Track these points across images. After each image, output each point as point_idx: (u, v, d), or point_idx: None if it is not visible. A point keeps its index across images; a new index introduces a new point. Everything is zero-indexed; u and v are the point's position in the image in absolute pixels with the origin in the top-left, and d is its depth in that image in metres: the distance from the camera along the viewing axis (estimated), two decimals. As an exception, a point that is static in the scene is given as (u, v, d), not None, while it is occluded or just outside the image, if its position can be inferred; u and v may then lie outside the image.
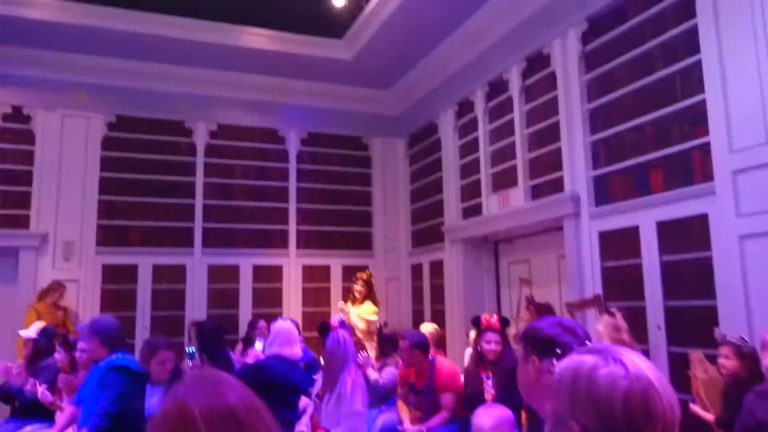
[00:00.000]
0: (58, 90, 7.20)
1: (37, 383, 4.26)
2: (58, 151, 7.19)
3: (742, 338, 3.34)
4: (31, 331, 4.87)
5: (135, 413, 3.39)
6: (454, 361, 5.23)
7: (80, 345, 4.07)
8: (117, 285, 7.30)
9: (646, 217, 4.65)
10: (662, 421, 0.89)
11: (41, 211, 7.03)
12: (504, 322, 4.47)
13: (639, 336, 4.56)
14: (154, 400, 3.40)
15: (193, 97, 7.74)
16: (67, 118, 7.28)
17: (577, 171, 5.35)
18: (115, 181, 7.44)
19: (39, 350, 4.81)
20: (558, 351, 1.29)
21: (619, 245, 4.94)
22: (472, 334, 4.85)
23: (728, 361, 3.28)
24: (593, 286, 5.11)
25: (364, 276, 7.22)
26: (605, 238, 5.08)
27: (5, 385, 4.51)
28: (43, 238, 6.98)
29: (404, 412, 4.51)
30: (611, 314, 4.17)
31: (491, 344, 4.28)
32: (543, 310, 5.16)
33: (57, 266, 7.01)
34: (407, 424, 4.31)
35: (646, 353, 4.51)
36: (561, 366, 0.99)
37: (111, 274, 7.29)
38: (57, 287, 6.62)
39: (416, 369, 4.49)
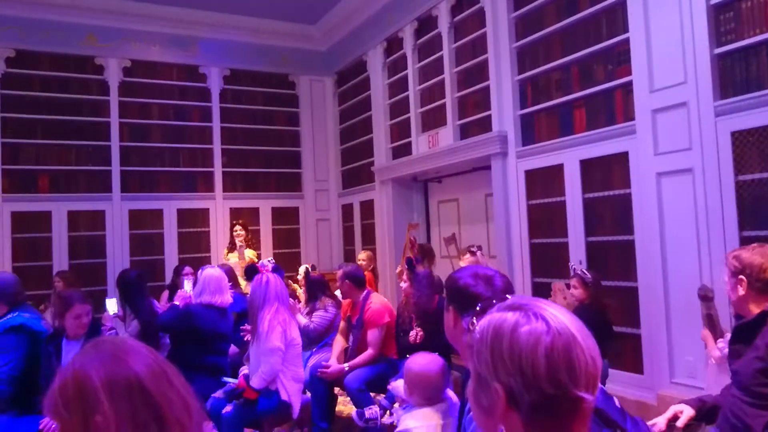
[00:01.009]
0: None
1: None
2: (-50, 89, 6.54)
3: (583, 270, 3.81)
4: None
5: (45, 373, 3.22)
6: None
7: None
8: (29, 234, 6.88)
9: (570, 156, 4.75)
10: (585, 375, 0.89)
11: (-64, 155, 6.45)
12: (409, 262, 4.52)
13: (562, 270, 4.75)
14: (72, 355, 3.24)
15: (102, 30, 7.17)
16: (-43, 52, 6.60)
17: (505, 110, 5.37)
18: (18, 122, 6.88)
19: None
20: (478, 308, 1.27)
21: (543, 183, 5.06)
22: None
23: (576, 291, 3.77)
24: (519, 223, 5.23)
25: (242, 221, 7.23)
26: (531, 176, 5.18)
27: None
28: (-59, 185, 6.43)
29: (338, 347, 4.52)
30: (473, 252, 4.55)
31: (403, 283, 4.37)
32: (425, 251, 5.62)
33: (-41, 215, 6.51)
34: (333, 361, 4.33)
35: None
36: (481, 325, 0.96)
37: (21, 222, 6.85)
38: None
39: (351, 301, 4.52)
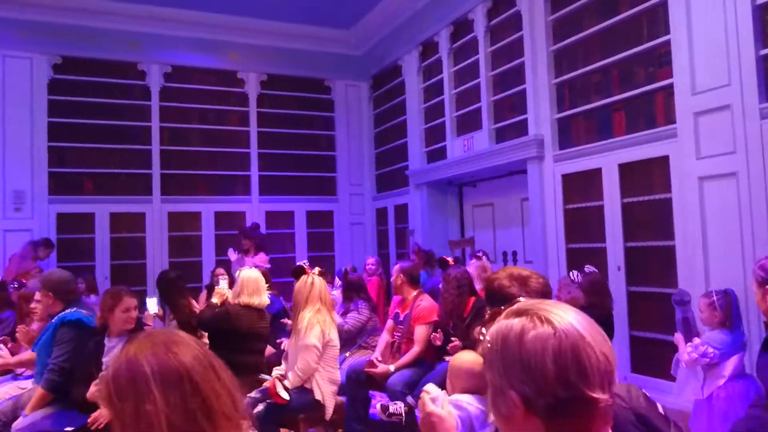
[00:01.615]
0: (-2, 28, 6.75)
1: None
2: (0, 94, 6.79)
3: (576, 273, 3.88)
4: None
5: (89, 368, 3.34)
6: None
7: (36, 297, 3.96)
8: (73, 234, 7.09)
9: (608, 160, 4.68)
10: (597, 373, 0.88)
11: (-14, 158, 6.70)
12: (442, 261, 4.55)
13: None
14: (114, 353, 3.33)
15: (145, 37, 7.36)
16: (7, 59, 6.84)
17: (542, 114, 5.32)
18: (65, 127, 7.11)
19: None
20: (485, 317, 1.28)
21: (581, 187, 4.99)
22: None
23: (568, 295, 3.84)
24: (555, 227, 5.17)
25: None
26: (568, 180, 5.12)
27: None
28: (-9, 187, 6.68)
29: (383, 342, 4.53)
30: (478, 257, 4.64)
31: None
32: (428, 258, 5.74)
33: (8, 216, 6.74)
34: (377, 355, 4.34)
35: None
36: (490, 333, 0.96)
37: (66, 223, 7.06)
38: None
39: (402, 298, 4.53)
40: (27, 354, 3.92)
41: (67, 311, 3.48)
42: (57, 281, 3.66)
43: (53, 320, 3.52)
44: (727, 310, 3.10)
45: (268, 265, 5.12)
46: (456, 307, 4.01)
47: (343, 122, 8.59)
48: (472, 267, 4.60)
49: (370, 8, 7.67)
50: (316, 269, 3.84)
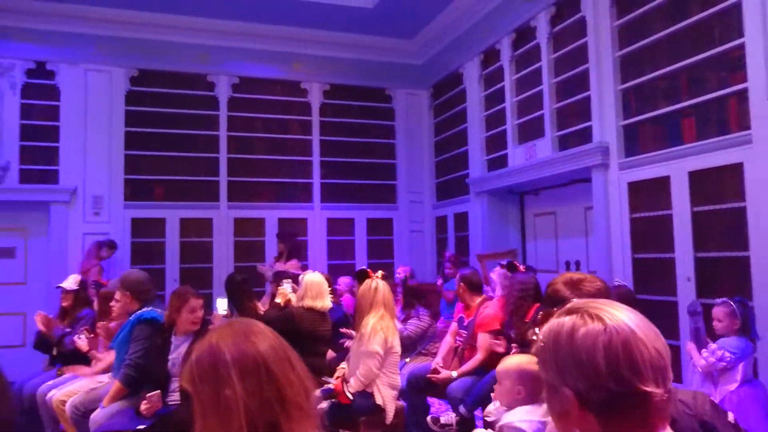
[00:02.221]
0: (80, 44, 7.19)
1: (78, 333, 4.43)
2: (83, 106, 7.22)
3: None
4: (71, 283, 5.01)
5: (160, 364, 3.50)
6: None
7: (116, 296, 4.19)
8: (146, 238, 7.43)
9: (677, 167, 4.54)
10: (650, 368, 0.88)
11: (69, 166, 7.12)
12: (510, 264, 4.52)
13: (667, 287, 4.53)
14: (180, 351, 3.49)
15: (214, 50, 7.67)
16: (89, 72, 7.28)
17: (607, 120, 5.22)
18: (139, 136, 7.48)
19: (77, 301, 4.97)
20: (537, 318, 1.29)
21: (648, 196, 4.86)
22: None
23: None
24: (621, 237, 5.05)
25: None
26: (634, 188, 5.00)
27: (45, 334, 4.66)
28: (73, 193, 7.09)
29: (445, 347, 4.54)
30: (502, 266, 4.71)
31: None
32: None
33: (87, 220, 7.14)
34: (439, 360, 4.35)
35: (674, 305, 4.49)
36: (542, 333, 0.97)
37: (139, 227, 7.42)
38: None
39: (465, 304, 4.55)
40: (110, 357, 4.14)
41: (144, 309, 3.67)
42: (134, 281, 3.88)
43: (131, 318, 3.72)
44: (745, 318, 3.31)
45: (299, 272, 5.26)
46: (516, 311, 3.98)
47: (403, 130, 8.67)
48: (495, 274, 4.69)
49: (432, 18, 7.72)
50: (379, 273, 3.89)
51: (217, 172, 7.77)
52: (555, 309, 1.22)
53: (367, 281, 3.82)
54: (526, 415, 2.10)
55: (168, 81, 7.65)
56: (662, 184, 4.68)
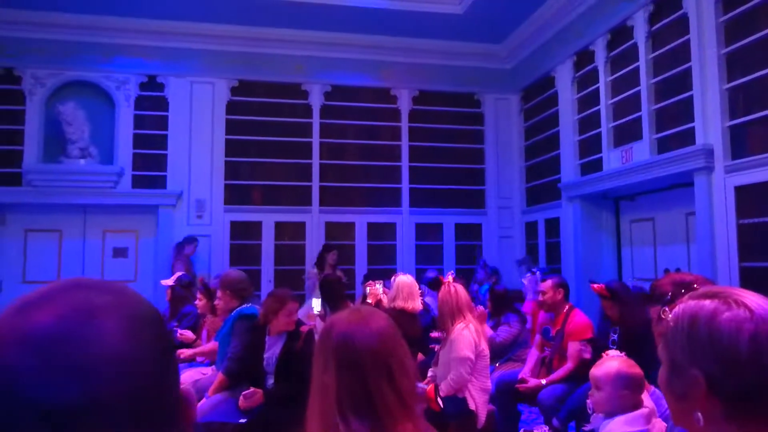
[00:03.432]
0: (186, 57, 7.68)
1: (179, 329, 4.73)
2: (188, 115, 7.71)
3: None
4: (170, 280, 5.36)
5: (257, 360, 3.67)
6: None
7: (217, 294, 4.45)
8: (243, 240, 7.81)
9: (791, 170, 4.26)
10: None
11: (176, 172, 7.62)
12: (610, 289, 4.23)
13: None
14: (274, 350, 3.64)
15: (308, 60, 7.96)
16: (195, 84, 7.76)
17: (711, 121, 4.96)
18: (238, 144, 7.88)
19: (176, 297, 5.29)
20: (668, 298, 1.26)
21: (758, 201, 4.57)
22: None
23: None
24: (728, 244, 4.78)
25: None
26: (742, 193, 4.72)
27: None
28: (179, 197, 7.58)
29: (533, 358, 4.47)
30: (533, 273, 4.70)
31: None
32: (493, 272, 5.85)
33: (191, 222, 7.60)
34: (526, 371, 4.28)
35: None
36: (675, 312, 0.95)
37: (237, 230, 7.80)
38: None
39: (554, 313, 4.43)
40: (208, 345, 4.41)
41: (244, 306, 3.88)
42: (232, 281, 4.10)
43: (232, 314, 3.94)
44: None
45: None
46: (629, 319, 3.86)
47: (493, 135, 8.60)
48: (526, 280, 4.69)
49: (521, 22, 7.64)
50: (449, 276, 3.89)
51: (310, 178, 8.04)
52: (661, 306, 1.21)
53: (445, 286, 3.82)
54: (625, 426, 2.05)
55: (265, 91, 8.01)
56: (774, 188, 4.40)
